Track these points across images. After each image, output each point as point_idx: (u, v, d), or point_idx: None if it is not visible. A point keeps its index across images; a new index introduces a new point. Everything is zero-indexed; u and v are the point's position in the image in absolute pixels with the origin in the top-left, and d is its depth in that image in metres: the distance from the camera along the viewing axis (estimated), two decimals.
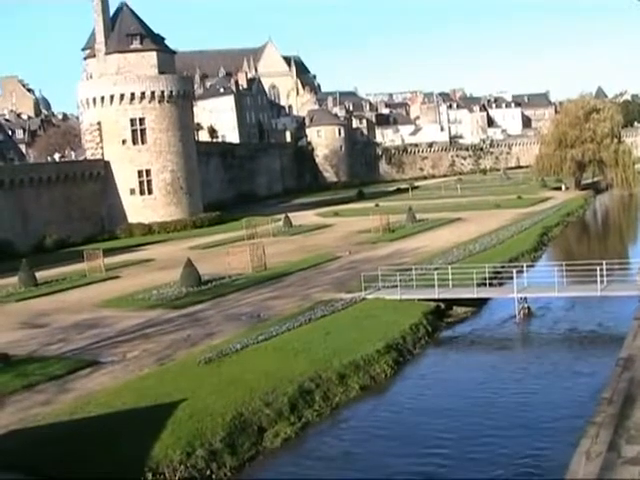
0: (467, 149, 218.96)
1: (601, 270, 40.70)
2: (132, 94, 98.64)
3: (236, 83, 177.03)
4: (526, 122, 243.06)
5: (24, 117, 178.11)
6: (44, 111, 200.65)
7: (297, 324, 39.35)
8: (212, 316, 44.23)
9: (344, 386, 31.89)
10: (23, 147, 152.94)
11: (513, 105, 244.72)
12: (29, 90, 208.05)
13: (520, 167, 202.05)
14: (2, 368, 34.63)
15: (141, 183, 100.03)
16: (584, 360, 35.42)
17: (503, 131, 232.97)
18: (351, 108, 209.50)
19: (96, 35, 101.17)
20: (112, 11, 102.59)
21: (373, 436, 27.99)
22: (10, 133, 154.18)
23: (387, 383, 33.49)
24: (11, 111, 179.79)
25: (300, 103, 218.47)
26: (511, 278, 43.91)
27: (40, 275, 61.99)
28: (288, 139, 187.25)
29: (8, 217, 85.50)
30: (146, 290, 53.09)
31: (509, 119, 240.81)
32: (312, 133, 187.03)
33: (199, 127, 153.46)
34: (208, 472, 24.78)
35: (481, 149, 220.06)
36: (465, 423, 28.51)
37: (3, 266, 70.42)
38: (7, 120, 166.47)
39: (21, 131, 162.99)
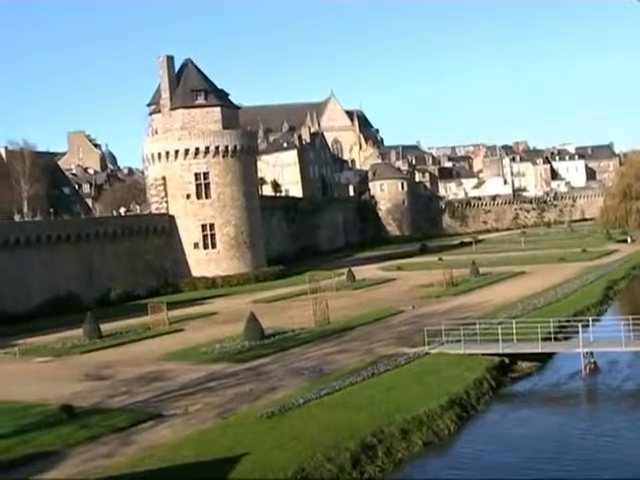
0: (531, 202, 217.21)
1: None
2: (196, 149, 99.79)
3: (299, 137, 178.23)
4: (590, 174, 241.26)
5: (90, 171, 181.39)
6: (110, 166, 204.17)
7: (360, 379, 39.10)
8: (275, 370, 44.11)
9: (407, 442, 31.55)
10: (89, 201, 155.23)
11: (577, 157, 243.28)
12: (96, 145, 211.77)
13: (585, 220, 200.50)
14: (66, 420, 34.90)
15: (205, 237, 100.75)
16: None
17: (567, 183, 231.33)
18: (414, 162, 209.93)
19: (161, 91, 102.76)
20: (177, 67, 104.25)
21: None
22: (77, 187, 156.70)
23: (450, 439, 33.07)
24: (78, 165, 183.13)
25: (363, 157, 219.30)
26: (576, 332, 43.29)
27: (105, 327, 62.60)
28: (351, 193, 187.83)
29: (74, 270, 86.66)
30: (209, 344, 53.15)
31: (573, 171, 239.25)
32: (375, 187, 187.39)
33: (262, 181, 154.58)
34: None
35: (545, 202, 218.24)
36: None
37: (69, 318, 71.37)
38: (74, 174, 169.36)
39: (87, 185, 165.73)
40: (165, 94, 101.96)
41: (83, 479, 26.99)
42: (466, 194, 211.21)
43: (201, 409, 35.93)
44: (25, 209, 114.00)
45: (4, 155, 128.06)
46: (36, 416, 35.90)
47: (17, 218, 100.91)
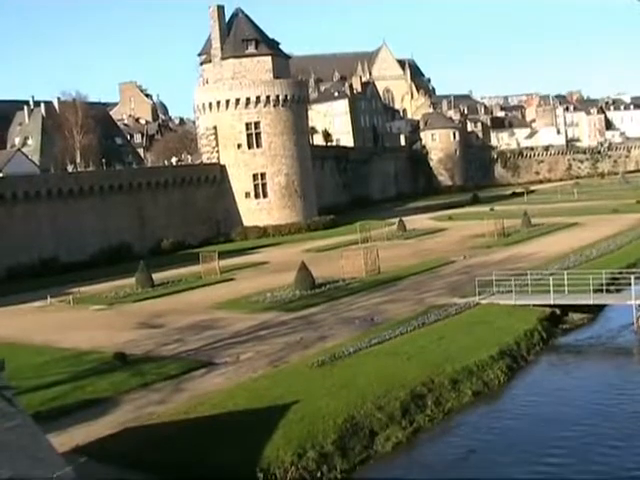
0: (584, 152, 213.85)
1: None
2: (247, 99, 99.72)
3: (350, 87, 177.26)
4: None
5: (142, 122, 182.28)
6: (161, 116, 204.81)
7: (410, 328, 39.17)
8: (325, 319, 44.32)
9: (457, 392, 31.60)
10: (141, 151, 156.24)
11: (632, 107, 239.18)
12: (147, 95, 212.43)
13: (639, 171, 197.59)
14: (120, 367, 35.43)
15: (256, 186, 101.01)
16: None
17: (622, 134, 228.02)
18: (466, 111, 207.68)
19: (212, 41, 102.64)
20: (228, 17, 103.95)
21: (485, 443, 27.61)
22: (129, 137, 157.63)
23: (500, 390, 33.05)
24: (130, 116, 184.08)
25: (414, 107, 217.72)
26: (629, 285, 42.87)
27: (157, 277, 63.24)
28: (402, 143, 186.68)
29: (127, 220, 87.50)
30: (260, 293, 53.49)
31: (628, 121, 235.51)
32: (426, 137, 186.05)
33: (313, 131, 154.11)
34: (319, 474, 24.81)
35: (599, 152, 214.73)
36: (580, 433, 27.79)
37: (121, 267, 72.26)
38: (126, 125, 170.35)
39: (139, 135, 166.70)
40: (216, 44, 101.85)
41: (137, 425, 27.42)
42: (518, 144, 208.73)
43: (252, 357, 36.25)
44: (78, 159, 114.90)
45: (57, 106, 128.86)
46: (91, 363, 36.54)
47: (70, 168, 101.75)
